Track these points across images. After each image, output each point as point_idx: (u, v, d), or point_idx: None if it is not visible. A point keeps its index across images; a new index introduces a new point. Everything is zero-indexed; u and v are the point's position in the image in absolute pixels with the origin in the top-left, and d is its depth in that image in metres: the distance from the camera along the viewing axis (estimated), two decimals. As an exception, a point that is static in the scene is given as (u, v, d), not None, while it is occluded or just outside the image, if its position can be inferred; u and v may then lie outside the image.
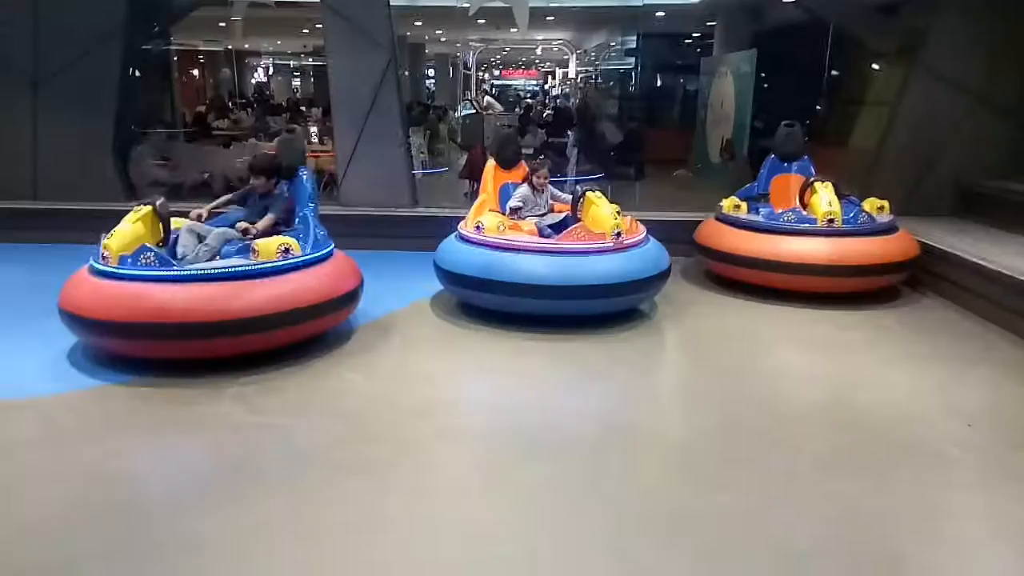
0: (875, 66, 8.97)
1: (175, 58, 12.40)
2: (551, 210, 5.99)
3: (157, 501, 3.24)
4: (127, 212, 4.78)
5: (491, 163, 6.38)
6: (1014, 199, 7.03)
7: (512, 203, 5.89)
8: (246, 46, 17.12)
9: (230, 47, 14.71)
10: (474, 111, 16.75)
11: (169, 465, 3.57)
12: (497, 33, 17.88)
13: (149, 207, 4.75)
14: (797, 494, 3.32)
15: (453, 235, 5.78)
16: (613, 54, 19.09)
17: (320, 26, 8.35)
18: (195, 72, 16.06)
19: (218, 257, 4.73)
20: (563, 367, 4.76)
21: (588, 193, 5.63)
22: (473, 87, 23.09)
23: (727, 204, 6.66)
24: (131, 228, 4.63)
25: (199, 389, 4.23)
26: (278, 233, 4.91)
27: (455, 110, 17.83)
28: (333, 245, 5.12)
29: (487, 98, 19.47)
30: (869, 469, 3.53)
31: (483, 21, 14.60)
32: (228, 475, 3.42)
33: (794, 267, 5.95)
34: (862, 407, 4.24)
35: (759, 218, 6.40)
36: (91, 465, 3.47)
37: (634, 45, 16.83)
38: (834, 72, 10.25)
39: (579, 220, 5.61)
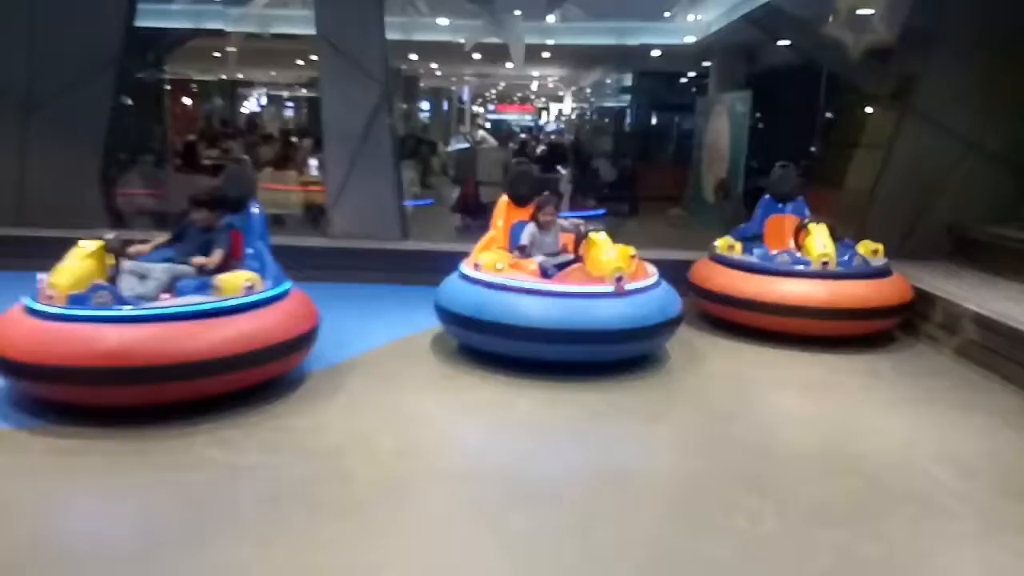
0: (869, 110, 9.02)
1: (168, 87, 12.41)
2: (563, 249, 5.75)
3: (123, 547, 3.07)
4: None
5: (503, 199, 6.14)
6: (1007, 245, 7.01)
7: (521, 243, 5.72)
8: (240, 76, 17.20)
9: (224, 77, 14.76)
10: (467, 145, 16.83)
11: (133, 510, 3.41)
12: (492, 68, 18.05)
13: (100, 242, 4.48)
14: (791, 542, 3.20)
15: (456, 272, 5.59)
16: (608, 91, 19.31)
17: (315, 58, 8.35)
18: (188, 101, 16.09)
19: (173, 294, 4.47)
20: (555, 411, 4.62)
21: (591, 233, 5.35)
22: (467, 121, 23.25)
23: (721, 244, 6.61)
24: (80, 265, 4.33)
25: (168, 431, 4.08)
26: (227, 268, 4.67)
27: (448, 144, 17.92)
28: (289, 282, 4.86)
29: (480, 132, 19.59)
30: (864, 517, 3.42)
31: (479, 56, 14.73)
32: (197, 519, 3.26)
33: (788, 309, 5.87)
34: (857, 453, 4.13)
35: (753, 259, 6.34)
36: (47, 510, 3.31)
37: (629, 83, 17.05)
38: (828, 115, 10.33)
39: (582, 261, 5.34)
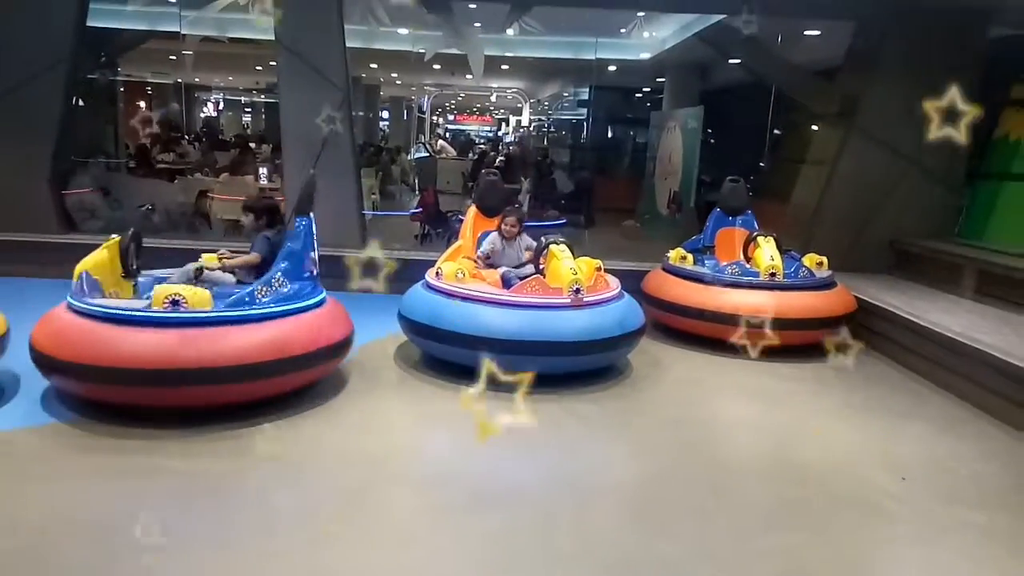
0: (815, 127, 9.35)
1: (122, 89, 12.16)
2: (529, 260, 5.70)
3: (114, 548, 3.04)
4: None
5: (472, 209, 6.19)
6: (944, 259, 7.34)
7: (479, 251, 5.75)
8: (196, 80, 16.95)
9: (179, 80, 14.52)
10: (427, 154, 16.85)
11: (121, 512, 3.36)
12: (452, 79, 18.12)
13: (116, 238, 4.68)
14: (739, 546, 3.32)
15: (420, 282, 5.57)
16: (566, 104, 19.54)
17: (273, 63, 8.31)
18: (142, 104, 15.79)
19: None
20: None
21: (552, 246, 5.32)
22: (427, 131, 23.27)
23: (674, 255, 6.77)
24: (96, 254, 4.59)
25: (141, 440, 4.03)
26: (260, 275, 4.67)
27: (408, 152, 17.91)
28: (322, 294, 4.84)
29: (440, 142, 19.62)
30: (809, 521, 3.57)
31: (438, 67, 14.79)
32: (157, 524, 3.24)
33: (737, 319, 6.04)
34: (803, 459, 4.29)
35: (704, 270, 6.52)
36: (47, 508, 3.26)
37: (586, 96, 17.28)
38: (776, 131, 10.65)
39: (542, 273, 5.36)
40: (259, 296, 4.37)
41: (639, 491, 3.85)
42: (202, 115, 19.04)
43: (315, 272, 4.76)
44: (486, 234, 5.98)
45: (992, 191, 8.02)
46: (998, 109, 8.16)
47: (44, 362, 4.18)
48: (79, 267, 4.49)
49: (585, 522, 3.48)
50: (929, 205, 7.95)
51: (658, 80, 14.61)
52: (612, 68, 13.28)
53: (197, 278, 4.70)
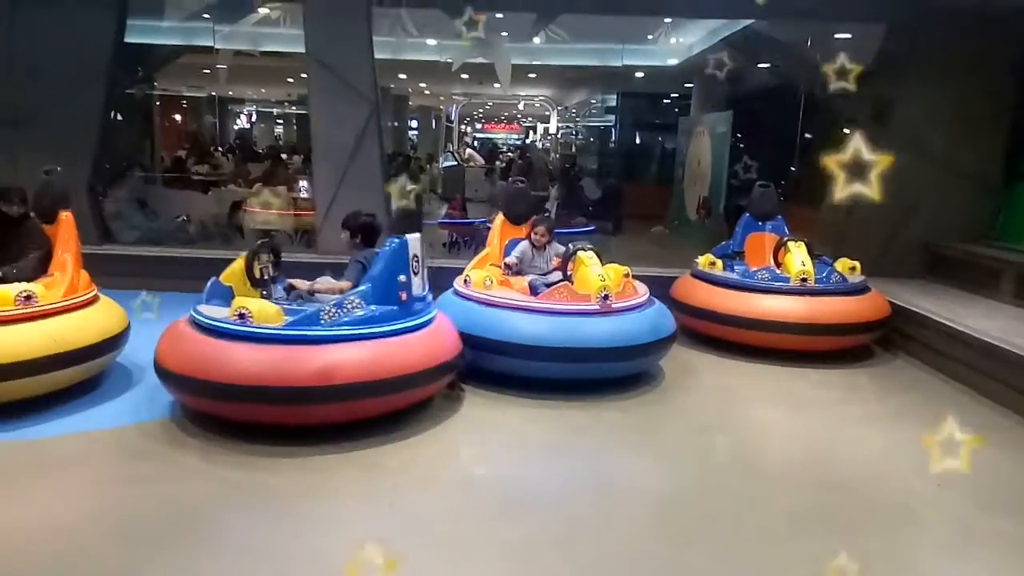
0: (846, 131, 9.23)
1: (157, 103, 12.45)
2: (556, 268, 5.69)
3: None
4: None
5: (500, 217, 6.22)
6: (979, 262, 7.20)
7: (508, 259, 5.77)
8: (230, 93, 17.27)
9: (213, 93, 14.83)
10: (455, 163, 16.95)
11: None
12: (480, 88, 18.22)
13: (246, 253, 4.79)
14: (770, 553, 3.29)
15: (449, 289, 5.62)
16: (594, 111, 19.53)
17: (304, 75, 8.45)
18: (177, 117, 16.13)
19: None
20: (540, 426, 4.69)
21: (580, 252, 5.30)
22: (455, 139, 23.41)
23: (703, 261, 6.73)
24: (233, 264, 4.74)
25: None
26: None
27: (437, 161, 18.03)
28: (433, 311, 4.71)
29: (468, 150, 19.72)
30: (842, 529, 3.52)
31: (466, 76, 14.90)
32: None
33: (768, 324, 6.00)
34: (835, 466, 4.23)
35: (734, 275, 6.47)
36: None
37: (614, 103, 17.27)
38: (807, 135, 10.53)
39: (570, 279, 5.31)
40: (325, 318, 4.19)
41: (666, 497, 3.84)
42: (235, 127, 19.38)
43: (405, 297, 4.48)
44: (514, 242, 6.00)
45: (1030, 193, 7.84)
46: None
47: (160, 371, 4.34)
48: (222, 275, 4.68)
49: (612, 528, 3.48)
50: (964, 207, 7.80)
51: (686, 85, 14.54)
52: (639, 74, 13.26)
53: (288, 295, 4.71)
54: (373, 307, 4.33)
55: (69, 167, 8.04)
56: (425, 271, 4.77)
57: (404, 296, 4.46)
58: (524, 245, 5.83)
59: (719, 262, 6.70)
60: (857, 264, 6.50)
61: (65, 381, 4.54)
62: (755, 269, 6.47)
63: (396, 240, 4.53)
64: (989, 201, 7.94)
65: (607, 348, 5.00)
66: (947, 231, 7.75)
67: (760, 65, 10.63)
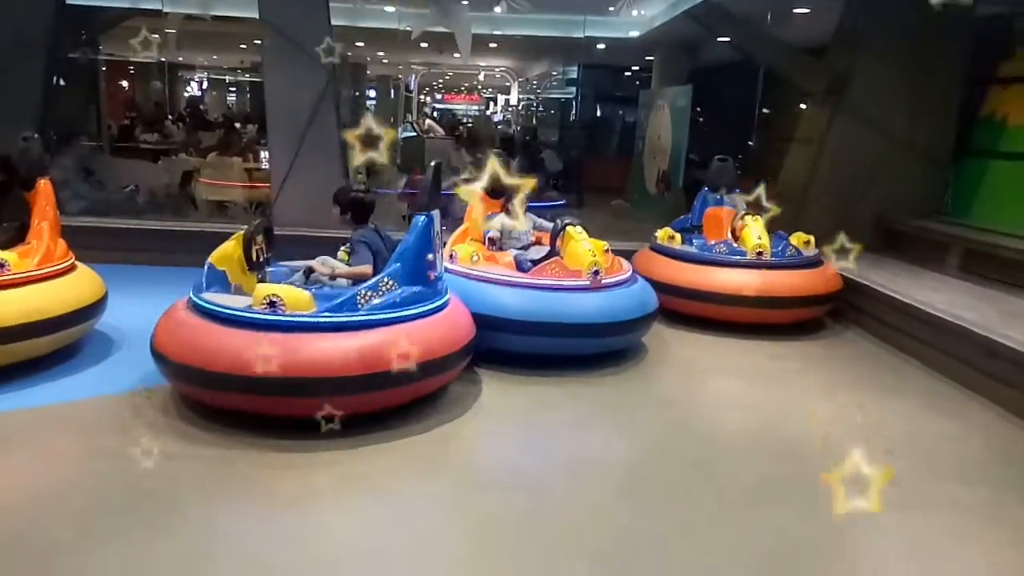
0: (803, 105, 9.34)
1: (103, 68, 11.98)
2: (535, 242, 5.67)
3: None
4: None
5: (478, 191, 5.87)
6: (930, 237, 7.39)
7: (491, 234, 5.69)
8: (180, 59, 16.72)
9: (163, 59, 14.33)
10: (415, 134, 16.72)
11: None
12: (440, 58, 17.94)
13: (243, 229, 4.45)
14: (732, 523, 3.37)
15: None
16: (555, 83, 19.43)
17: (258, 42, 8.21)
18: (124, 84, 15.57)
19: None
20: (511, 400, 4.69)
21: (568, 227, 5.28)
22: (414, 110, 23.09)
23: (662, 235, 6.78)
24: (224, 246, 4.39)
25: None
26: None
27: (396, 132, 17.77)
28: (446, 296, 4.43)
29: (428, 121, 19.46)
30: (796, 497, 3.61)
31: (426, 45, 14.64)
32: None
33: (725, 298, 6.08)
34: (791, 436, 4.34)
35: (692, 249, 6.53)
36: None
37: (575, 75, 17.20)
38: (765, 110, 10.64)
39: (559, 255, 5.26)
40: (362, 302, 3.98)
41: (631, 470, 3.89)
42: (186, 95, 18.80)
43: (434, 276, 4.36)
44: (492, 216, 5.93)
45: (978, 169, 8.05)
46: (985, 87, 8.18)
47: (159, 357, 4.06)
48: (211, 258, 4.32)
49: (578, 501, 3.52)
50: (916, 183, 7.98)
51: (647, 58, 14.53)
52: (601, 47, 13.20)
53: (307, 279, 4.51)
54: (401, 288, 4.15)
55: (10, 135, 7.79)
56: (442, 248, 4.65)
57: (432, 275, 4.33)
58: (501, 217, 5.75)
59: (678, 236, 6.75)
60: (812, 238, 6.61)
61: (41, 349, 4.49)
62: (713, 242, 6.54)
63: (424, 217, 4.33)
64: (939, 177, 8.14)
65: (601, 323, 5.00)
66: (899, 207, 7.92)
67: (720, 39, 10.65)
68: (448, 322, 4.31)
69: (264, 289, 3.94)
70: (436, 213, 4.43)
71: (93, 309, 4.82)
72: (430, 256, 4.31)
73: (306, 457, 3.72)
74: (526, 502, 3.46)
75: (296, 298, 3.89)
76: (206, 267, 4.29)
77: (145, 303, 4.74)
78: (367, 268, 4.42)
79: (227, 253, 4.37)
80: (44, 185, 4.95)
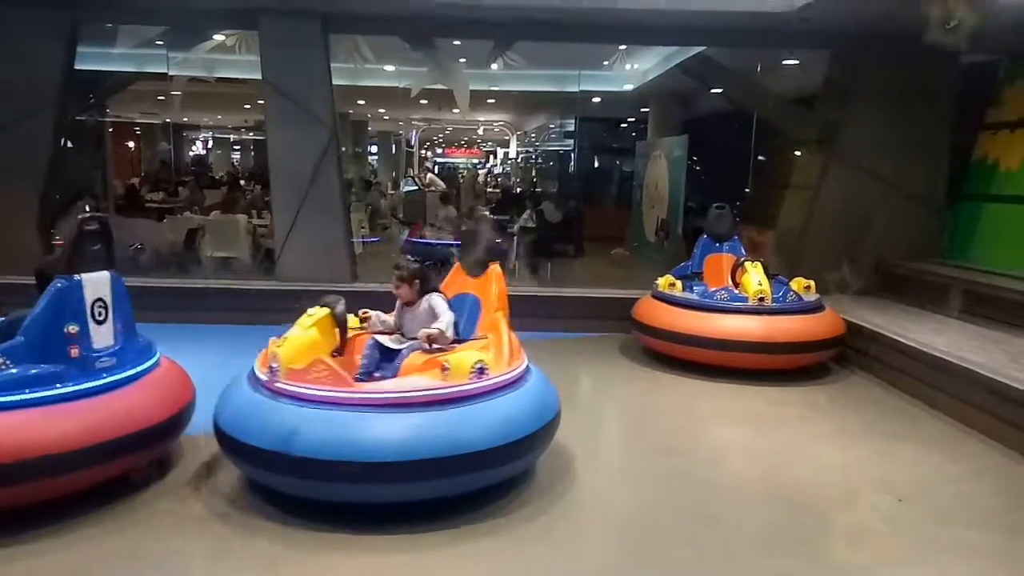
0: (797, 153, 9.48)
1: (110, 129, 12.23)
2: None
3: None
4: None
5: (456, 266, 4.96)
6: (929, 279, 7.42)
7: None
8: (185, 119, 17.07)
9: (168, 120, 14.63)
10: (416, 187, 16.95)
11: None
12: (439, 113, 18.31)
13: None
14: (735, 572, 3.31)
15: None
16: (553, 135, 19.76)
17: (261, 102, 8.39)
18: (131, 144, 15.87)
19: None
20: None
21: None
22: (415, 164, 23.45)
23: (663, 282, 6.81)
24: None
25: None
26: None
27: (398, 186, 18.02)
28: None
29: (429, 175, 19.75)
30: (805, 546, 3.55)
31: (425, 101, 14.96)
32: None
33: (727, 343, 6.08)
34: (796, 483, 4.28)
35: (693, 296, 6.56)
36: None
37: (572, 128, 17.50)
38: (760, 157, 10.79)
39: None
40: None
41: (631, 519, 3.84)
42: (191, 153, 19.11)
43: (79, 352, 3.66)
44: (460, 297, 4.69)
45: (974, 212, 8.14)
46: (975, 133, 8.33)
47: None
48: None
49: (578, 550, 3.47)
50: (913, 227, 8.07)
51: (642, 110, 14.81)
52: (596, 100, 13.47)
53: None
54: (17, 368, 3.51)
55: (17, 197, 7.92)
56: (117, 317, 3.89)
57: (75, 351, 3.65)
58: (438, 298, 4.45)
59: (679, 283, 6.78)
60: (812, 283, 6.64)
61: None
62: (714, 289, 6.57)
63: (63, 281, 3.69)
64: (936, 221, 8.22)
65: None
66: (897, 250, 7.99)
67: (713, 90, 10.88)
68: (101, 409, 3.57)
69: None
70: (103, 276, 3.82)
71: None
72: (72, 328, 3.66)
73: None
74: (519, 546, 3.39)
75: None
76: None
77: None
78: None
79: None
80: None
